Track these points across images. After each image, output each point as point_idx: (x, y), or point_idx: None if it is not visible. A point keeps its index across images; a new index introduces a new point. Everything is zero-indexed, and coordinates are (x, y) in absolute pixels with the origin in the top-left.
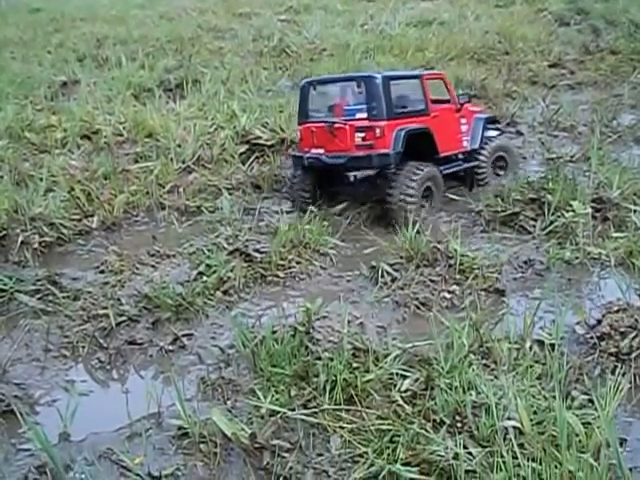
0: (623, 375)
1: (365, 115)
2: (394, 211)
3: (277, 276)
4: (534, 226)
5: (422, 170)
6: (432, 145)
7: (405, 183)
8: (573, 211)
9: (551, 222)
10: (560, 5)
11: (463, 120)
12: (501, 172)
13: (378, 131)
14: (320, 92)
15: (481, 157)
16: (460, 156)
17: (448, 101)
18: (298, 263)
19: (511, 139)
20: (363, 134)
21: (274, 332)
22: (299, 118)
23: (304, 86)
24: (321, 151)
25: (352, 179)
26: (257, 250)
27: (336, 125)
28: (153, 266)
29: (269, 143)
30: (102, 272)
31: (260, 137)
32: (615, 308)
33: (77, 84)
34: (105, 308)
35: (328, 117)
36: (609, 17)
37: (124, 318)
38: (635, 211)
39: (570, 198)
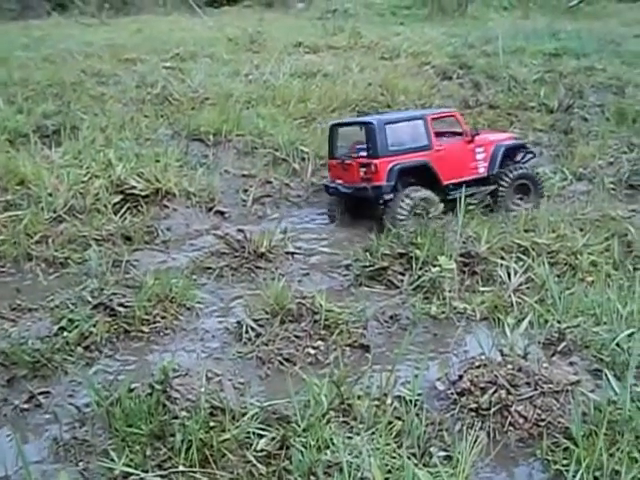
0: (481, 429)
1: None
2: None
3: (141, 331)
4: (402, 281)
5: (412, 197)
6: (434, 175)
7: (398, 205)
8: (439, 266)
9: (419, 277)
10: (444, 59)
11: (479, 149)
12: (523, 199)
13: (373, 167)
14: (342, 133)
15: (502, 183)
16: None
17: (461, 134)
18: (163, 318)
19: None
20: (365, 169)
21: (131, 390)
22: (329, 154)
23: (331, 128)
24: (340, 182)
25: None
26: (122, 304)
27: (346, 162)
28: (13, 320)
29: (143, 193)
30: None
31: (135, 187)
32: (477, 364)
33: None
34: None
35: (346, 154)
36: (490, 72)
37: None
38: (502, 265)
39: (438, 253)
